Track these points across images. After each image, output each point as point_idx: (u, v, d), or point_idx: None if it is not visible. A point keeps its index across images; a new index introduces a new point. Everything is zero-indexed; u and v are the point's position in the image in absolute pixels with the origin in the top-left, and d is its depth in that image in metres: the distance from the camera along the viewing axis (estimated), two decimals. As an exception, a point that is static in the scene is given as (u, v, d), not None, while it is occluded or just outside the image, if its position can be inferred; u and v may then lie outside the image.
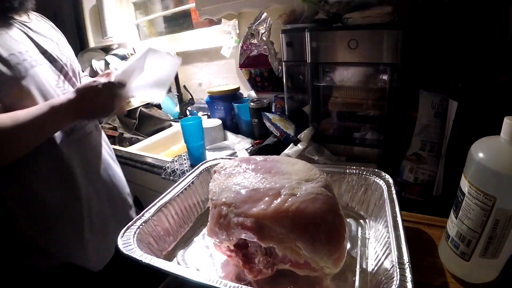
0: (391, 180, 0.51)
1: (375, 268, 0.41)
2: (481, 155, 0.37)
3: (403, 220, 0.41)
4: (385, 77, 0.81)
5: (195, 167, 0.62)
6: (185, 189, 0.56)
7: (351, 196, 0.55)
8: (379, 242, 0.43)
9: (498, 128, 0.37)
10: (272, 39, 1.10)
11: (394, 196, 0.47)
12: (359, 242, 0.47)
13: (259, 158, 0.50)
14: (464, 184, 0.39)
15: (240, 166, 0.48)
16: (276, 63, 1.09)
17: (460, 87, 0.69)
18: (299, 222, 0.37)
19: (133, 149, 1.25)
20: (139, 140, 1.36)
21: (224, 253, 0.45)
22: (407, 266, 0.34)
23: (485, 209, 0.37)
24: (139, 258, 0.39)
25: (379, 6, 0.78)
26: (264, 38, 1.09)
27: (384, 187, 0.50)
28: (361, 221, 0.52)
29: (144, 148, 1.28)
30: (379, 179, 0.52)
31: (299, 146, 0.91)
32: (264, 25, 1.09)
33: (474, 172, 0.38)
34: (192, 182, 0.57)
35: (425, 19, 0.90)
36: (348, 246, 0.43)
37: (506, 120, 0.35)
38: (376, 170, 0.53)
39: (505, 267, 0.41)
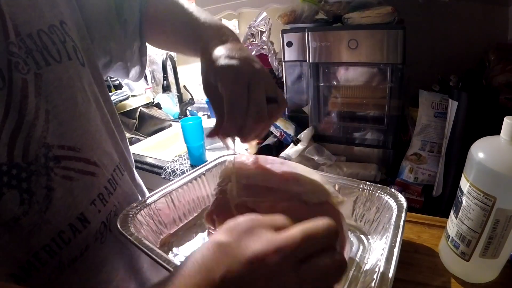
0: (405, 204, 0.46)
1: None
2: (481, 155, 0.37)
3: (399, 249, 0.37)
4: (385, 77, 0.82)
5: (210, 161, 0.62)
6: (195, 179, 0.56)
7: (360, 213, 0.52)
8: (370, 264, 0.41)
9: (498, 128, 0.37)
10: (272, 39, 1.10)
11: (402, 222, 0.42)
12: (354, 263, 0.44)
13: (277, 159, 0.48)
14: (464, 184, 0.39)
15: (255, 162, 0.46)
16: (276, 63, 1.09)
17: (460, 87, 0.69)
18: None
19: (133, 149, 1.25)
20: (139, 140, 1.35)
21: None
22: None
23: (485, 209, 0.37)
24: (130, 238, 0.39)
25: (379, 6, 0.78)
26: (264, 38, 1.09)
27: (395, 209, 0.45)
28: (364, 238, 0.49)
29: (144, 148, 1.28)
30: (392, 199, 0.47)
31: (299, 146, 0.91)
32: (264, 25, 1.09)
33: (474, 172, 0.38)
34: (204, 174, 0.58)
35: (425, 19, 0.90)
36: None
37: (506, 120, 0.35)
38: (392, 190, 0.49)
39: (505, 267, 0.41)
